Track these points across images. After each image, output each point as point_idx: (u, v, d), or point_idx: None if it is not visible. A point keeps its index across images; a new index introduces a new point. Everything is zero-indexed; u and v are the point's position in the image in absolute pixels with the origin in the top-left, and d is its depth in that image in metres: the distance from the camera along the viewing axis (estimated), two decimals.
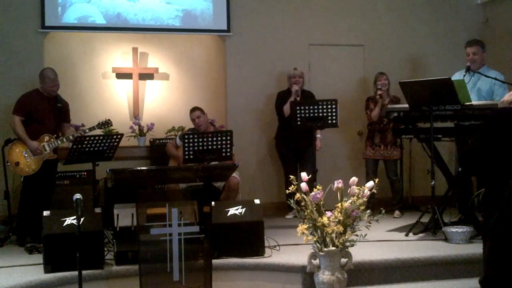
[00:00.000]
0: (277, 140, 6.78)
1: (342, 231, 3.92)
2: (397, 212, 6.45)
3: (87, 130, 5.67)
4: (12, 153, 5.45)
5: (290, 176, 4.09)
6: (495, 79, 5.41)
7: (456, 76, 5.57)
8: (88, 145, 5.30)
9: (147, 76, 7.20)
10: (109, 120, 5.82)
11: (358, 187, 4.03)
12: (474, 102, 5.10)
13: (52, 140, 5.51)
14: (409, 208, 6.88)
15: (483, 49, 5.61)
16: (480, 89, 5.58)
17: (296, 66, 6.72)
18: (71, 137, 5.56)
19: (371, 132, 6.61)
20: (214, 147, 5.43)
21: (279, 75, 7.08)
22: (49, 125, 5.56)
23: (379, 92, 6.44)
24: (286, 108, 6.45)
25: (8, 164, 5.49)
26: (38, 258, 4.57)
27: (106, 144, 5.38)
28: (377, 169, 6.58)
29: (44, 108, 5.56)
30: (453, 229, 4.91)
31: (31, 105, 5.52)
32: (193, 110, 6.23)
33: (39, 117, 5.52)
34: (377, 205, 5.93)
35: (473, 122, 5.15)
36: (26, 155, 5.42)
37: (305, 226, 3.96)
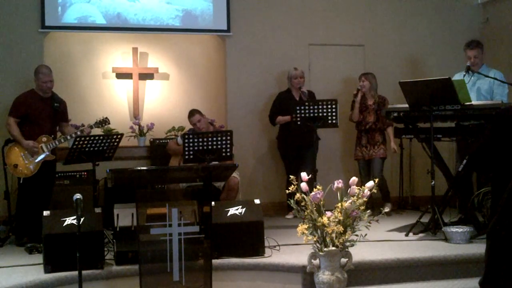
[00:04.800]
0: (279, 140, 6.76)
1: (342, 231, 3.92)
2: (388, 204, 6.42)
3: (89, 128, 5.65)
4: (10, 155, 5.44)
5: (290, 176, 4.09)
6: (495, 78, 5.42)
7: (457, 77, 5.58)
8: (88, 145, 5.30)
9: (147, 76, 7.20)
10: (106, 118, 5.81)
11: (358, 187, 4.03)
12: (474, 102, 5.10)
13: (50, 141, 5.50)
14: (409, 208, 6.89)
15: (482, 50, 5.65)
16: (479, 88, 5.61)
17: (296, 66, 6.71)
18: (68, 137, 5.55)
19: (358, 132, 6.65)
20: (214, 147, 5.43)
21: (279, 75, 7.08)
22: (45, 126, 5.54)
23: (354, 91, 6.55)
24: (279, 121, 6.55)
25: (6, 166, 5.49)
26: (38, 258, 4.57)
27: (106, 144, 5.38)
28: (369, 169, 6.59)
29: (40, 109, 5.55)
30: (453, 229, 4.90)
31: (26, 107, 5.51)
32: (192, 114, 6.20)
33: (34, 118, 5.51)
34: (371, 204, 5.94)
35: (473, 122, 5.16)
36: (23, 157, 5.41)
37: (305, 226, 3.96)
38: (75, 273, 3.66)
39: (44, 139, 5.49)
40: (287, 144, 6.63)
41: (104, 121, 5.81)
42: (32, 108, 5.52)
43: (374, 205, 6.18)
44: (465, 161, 5.16)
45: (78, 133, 5.53)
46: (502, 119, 3.56)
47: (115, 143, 5.45)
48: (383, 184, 6.57)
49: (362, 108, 6.60)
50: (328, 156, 7.10)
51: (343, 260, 4.06)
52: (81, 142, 5.28)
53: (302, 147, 6.47)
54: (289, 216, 6.45)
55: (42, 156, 5.45)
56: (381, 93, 6.67)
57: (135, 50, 7.12)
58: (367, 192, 4.02)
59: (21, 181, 5.44)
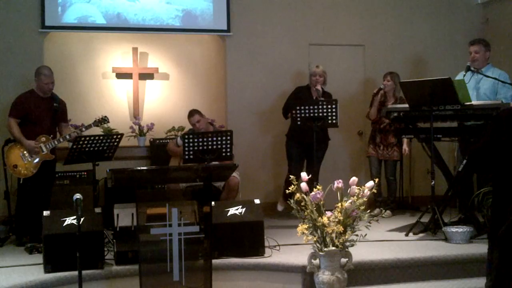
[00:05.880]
0: (288, 137, 6.55)
1: (342, 231, 3.92)
2: (387, 212, 6.34)
3: (83, 129, 5.66)
4: (10, 155, 5.44)
5: (290, 176, 4.09)
6: (496, 79, 5.41)
7: (460, 76, 5.57)
8: (88, 145, 5.30)
9: (147, 76, 7.20)
10: (105, 117, 5.81)
11: (358, 187, 4.03)
12: (474, 102, 5.10)
13: (49, 141, 5.50)
14: (409, 208, 6.89)
15: (485, 48, 5.58)
16: (482, 88, 5.57)
17: (297, 66, 6.70)
18: (67, 137, 5.54)
19: (373, 131, 6.62)
20: (214, 147, 5.43)
21: (279, 75, 7.08)
22: (45, 126, 5.54)
23: (374, 90, 6.48)
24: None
25: (6, 166, 5.49)
26: (38, 258, 4.57)
27: (106, 144, 5.38)
28: (380, 167, 6.56)
29: (40, 109, 5.55)
30: (453, 229, 4.90)
31: (26, 107, 5.51)
32: (192, 114, 6.18)
33: (34, 118, 5.51)
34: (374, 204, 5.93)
35: (474, 123, 5.16)
36: (23, 157, 5.41)
37: (305, 226, 3.96)
38: (75, 273, 3.66)
39: (43, 139, 5.49)
40: (296, 142, 6.40)
41: (103, 120, 5.81)
42: (32, 108, 5.52)
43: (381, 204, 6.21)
44: (465, 161, 5.17)
45: (72, 135, 5.52)
46: (503, 120, 3.56)
47: (115, 143, 5.45)
48: (393, 188, 6.57)
49: (380, 107, 6.49)
50: (328, 156, 7.07)
51: (343, 260, 4.07)
52: (81, 142, 5.28)
53: (311, 147, 6.27)
54: (280, 207, 6.44)
55: (41, 154, 5.45)
56: None
57: (135, 50, 7.12)
58: (367, 192, 4.02)
59: (21, 181, 5.44)
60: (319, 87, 6.30)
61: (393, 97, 6.51)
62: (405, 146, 6.52)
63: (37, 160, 5.45)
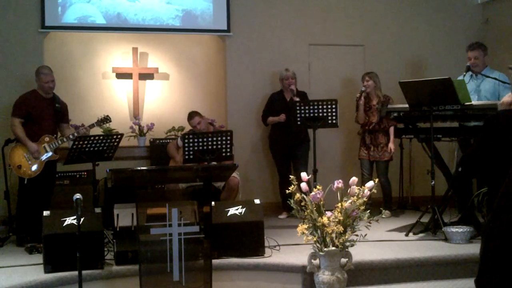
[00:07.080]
0: (270, 139, 6.80)
1: (342, 231, 3.92)
2: (387, 212, 6.31)
3: (88, 128, 5.66)
4: (13, 156, 5.44)
5: (290, 176, 4.09)
6: (496, 79, 5.41)
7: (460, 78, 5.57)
8: (88, 145, 5.30)
9: (147, 76, 7.20)
10: (107, 116, 5.82)
11: (358, 187, 4.02)
12: (474, 102, 5.10)
13: (52, 140, 5.51)
14: (409, 208, 6.88)
15: (484, 52, 5.59)
16: (483, 91, 5.57)
17: (297, 66, 6.73)
18: (71, 137, 5.55)
19: (363, 133, 6.62)
20: (214, 147, 5.43)
21: (279, 75, 7.07)
22: (47, 126, 5.55)
23: (357, 94, 6.50)
24: (270, 121, 6.63)
25: (10, 167, 5.49)
26: (38, 258, 4.57)
27: (106, 144, 5.38)
28: (372, 169, 6.56)
29: (42, 108, 5.55)
30: (453, 229, 4.91)
31: (28, 106, 5.52)
32: (192, 117, 6.19)
33: (37, 118, 5.51)
34: (373, 206, 5.90)
35: (474, 123, 5.16)
36: (27, 157, 5.41)
37: (305, 226, 3.96)
38: (75, 273, 3.66)
39: (47, 139, 5.50)
40: (278, 143, 6.68)
41: (106, 119, 5.82)
42: (34, 108, 5.53)
43: (373, 206, 6.18)
44: None
45: (76, 134, 5.53)
46: (500, 120, 3.57)
47: (115, 143, 5.45)
48: (387, 188, 6.55)
49: (366, 108, 6.52)
50: (328, 156, 7.10)
51: (343, 260, 4.06)
52: (81, 142, 5.29)
53: (293, 147, 6.51)
54: (282, 216, 6.48)
55: (47, 155, 5.45)
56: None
57: (135, 50, 7.12)
58: (367, 192, 4.02)
59: (25, 182, 5.43)
60: (293, 87, 6.47)
61: (376, 97, 6.52)
62: (390, 145, 6.46)
63: (42, 159, 5.44)
